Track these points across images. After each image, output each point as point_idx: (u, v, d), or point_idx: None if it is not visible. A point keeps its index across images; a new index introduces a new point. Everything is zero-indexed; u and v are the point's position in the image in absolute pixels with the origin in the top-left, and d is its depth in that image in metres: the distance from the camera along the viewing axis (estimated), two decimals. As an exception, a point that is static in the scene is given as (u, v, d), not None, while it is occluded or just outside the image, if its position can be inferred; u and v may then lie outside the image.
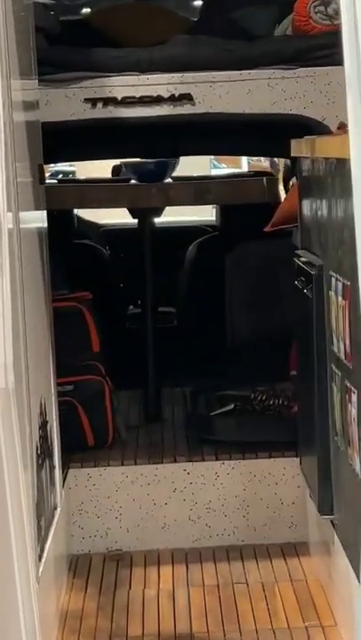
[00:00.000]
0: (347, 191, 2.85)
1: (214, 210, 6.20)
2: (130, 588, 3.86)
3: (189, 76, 4.61)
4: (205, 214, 6.11)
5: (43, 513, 3.25)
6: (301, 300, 3.64)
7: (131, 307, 6.34)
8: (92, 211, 7.06)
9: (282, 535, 4.16)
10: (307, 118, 4.73)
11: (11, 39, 2.97)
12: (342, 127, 4.72)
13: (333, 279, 3.14)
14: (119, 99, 4.49)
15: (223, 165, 16.80)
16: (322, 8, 4.78)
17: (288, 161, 5.49)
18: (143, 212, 4.57)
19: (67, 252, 5.35)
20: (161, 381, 4.73)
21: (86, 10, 5.80)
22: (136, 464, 4.17)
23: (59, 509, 3.72)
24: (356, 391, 2.91)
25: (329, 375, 3.33)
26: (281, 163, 6.56)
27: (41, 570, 3.08)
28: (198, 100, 4.59)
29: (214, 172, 14.11)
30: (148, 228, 4.64)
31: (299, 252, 3.77)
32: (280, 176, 5.98)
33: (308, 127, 4.73)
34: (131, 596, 3.80)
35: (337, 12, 4.78)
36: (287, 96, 4.67)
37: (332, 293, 3.18)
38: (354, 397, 2.92)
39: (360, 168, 2.63)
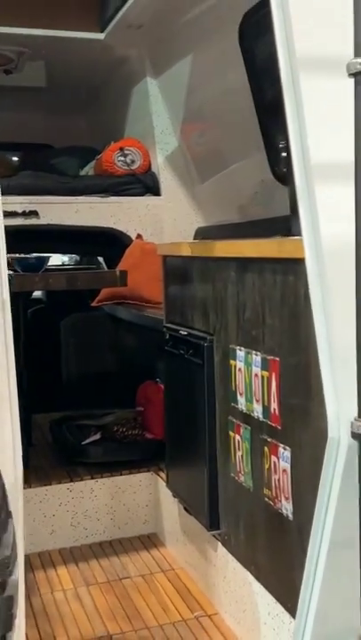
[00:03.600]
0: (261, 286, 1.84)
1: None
2: (40, 593, 2.47)
3: (35, 198, 3.64)
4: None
5: None
6: (175, 362, 2.48)
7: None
8: None
9: (139, 529, 2.91)
10: (116, 230, 3.82)
11: None
12: (139, 237, 3.81)
13: (241, 352, 2.01)
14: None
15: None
16: (123, 158, 3.95)
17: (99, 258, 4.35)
18: (22, 294, 3.27)
19: None
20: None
21: None
22: (30, 487, 2.77)
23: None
24: (289, 448, 1.79)
25: (222, 424, 2.18)
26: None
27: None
28: (42, 215, 3.63)
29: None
30: (22, 303, 3.34)
31: (169, 325, 2.57)
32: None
33: (116, 236, 3.83)
34: (44, 601, 2.42)
35: (133, 161, 3.88)
36: (103, 215, 3.78)
37: (237, 362, 2.04)
38: (286, 453, 1.80)
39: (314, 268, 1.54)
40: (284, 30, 1.59)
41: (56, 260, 5.36)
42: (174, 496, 2.59)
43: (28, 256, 2.91)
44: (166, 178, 3.85)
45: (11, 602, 1.13)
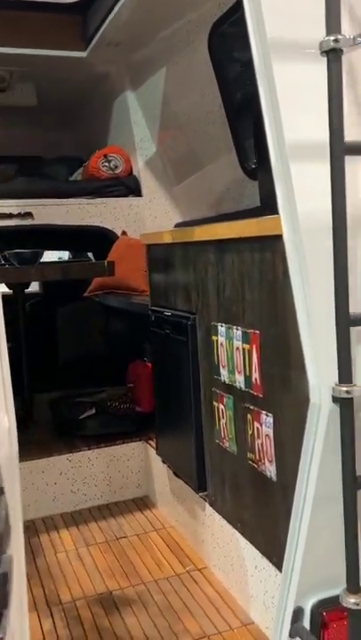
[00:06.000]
0: (235, 265, 1.61)
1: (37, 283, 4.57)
2: (44, 554, 2.28)
3: (30, 201, 3.37)
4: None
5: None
6: (161, 341, 2.28)
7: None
8: None
9: (132, 493, 2.72)
10: (102, 228, 3.56)
11: None
12: (124, 233, 3.60)
13: (222, 328, 1.83)
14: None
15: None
16: (107, 164, 3.72)
17: (88, 253, 4.10)
18: (19, 285, 3.03)
19: None
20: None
21: None
22: (34, 459, 2.57)
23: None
24: (271, 414, 1.62)
25: (207, 395, 1.99)
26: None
27: None
28: (36, 216, 3.36)
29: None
30: (21, 295, 3.09)
31: (154, 307, 2.37)
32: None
33: (104, 233, 3.59)
34: (48, 561, 2.22)
35: (116, 166, 3.67)
36: (90, 215, 3.52)
37: (219, 338, 1.86)
38: (269, 419, 1.62)
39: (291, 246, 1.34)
40: (255, 14, 1.39)
41: (53, 257, 5.11)
42: (164, 462, 2.40)
43: (23, 250, 2.69)
44: (147, 180, 3.65)
45: (5, 578, 0.93)
